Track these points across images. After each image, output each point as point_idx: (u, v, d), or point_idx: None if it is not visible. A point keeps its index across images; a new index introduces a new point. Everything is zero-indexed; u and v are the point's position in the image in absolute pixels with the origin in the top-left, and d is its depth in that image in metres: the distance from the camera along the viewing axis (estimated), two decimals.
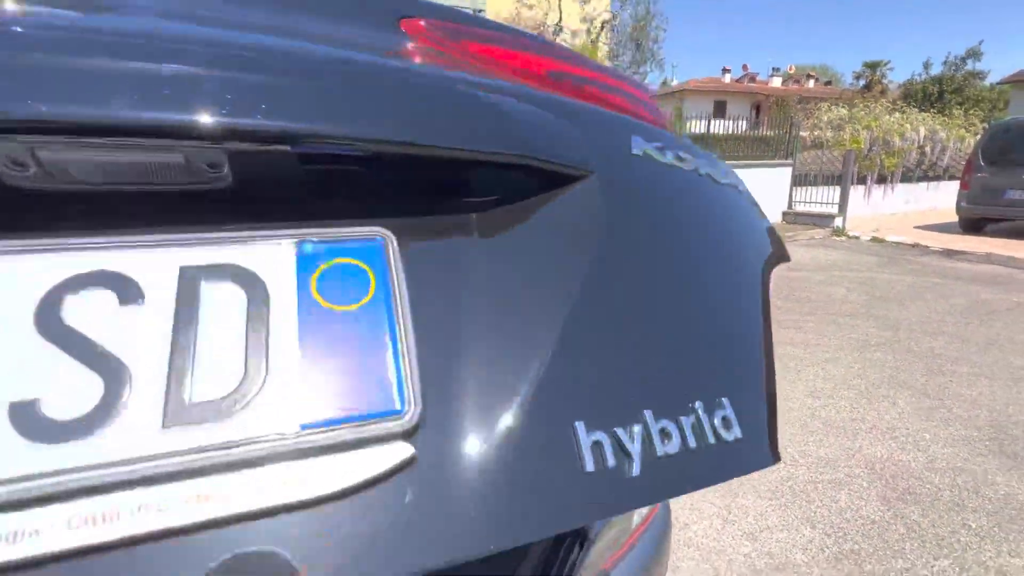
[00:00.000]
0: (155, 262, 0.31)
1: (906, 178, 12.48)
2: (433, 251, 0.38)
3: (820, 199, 10.91)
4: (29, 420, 0.26)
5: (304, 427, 0.30)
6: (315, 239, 0.34)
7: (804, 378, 3.71)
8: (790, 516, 2.33)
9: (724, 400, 0.42)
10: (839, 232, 10.03)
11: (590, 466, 0.36)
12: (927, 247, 8.56)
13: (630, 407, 0.38)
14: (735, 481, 2.50)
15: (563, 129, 0.42)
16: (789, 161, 11.14)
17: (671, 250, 0.47)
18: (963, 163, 10.58)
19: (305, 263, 0.33)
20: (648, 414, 0.38)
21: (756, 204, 0.65)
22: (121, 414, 0.28)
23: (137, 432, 0.28)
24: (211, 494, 0.28)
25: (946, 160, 12.95)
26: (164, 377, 0.29)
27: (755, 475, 2.59)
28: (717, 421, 0.41)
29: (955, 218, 10.08)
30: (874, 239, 9.35)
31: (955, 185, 10.80)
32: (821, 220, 10.61)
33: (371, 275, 0.34)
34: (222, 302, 0.31)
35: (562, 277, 0.39)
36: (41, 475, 0.26)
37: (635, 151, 0.48)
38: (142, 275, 0.31)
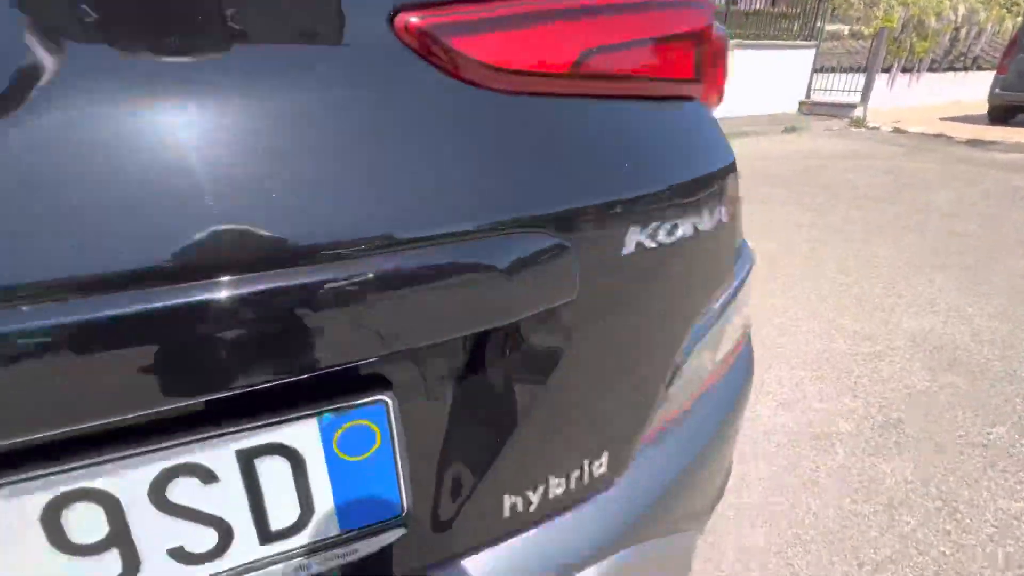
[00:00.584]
0: (218, 451, 0.42)
1: (932, 68, 11.59)
2: (426, 406, 0.51)
3: (842, 87, 10.13)
4: (180, 555, 0.43)
5: (342, 528, 0.49)
6: (332, 412, 0.45)
7: (833, 257, 3.43)
8: (829, 387, 2.13)
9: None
10: (858, 123, 9.40)
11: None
12: (952, 137, 8.04)
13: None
14: (766, 352, 2.28)
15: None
16: (812, 42, 10.20)
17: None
18: (996, 53, 9.80)
19: (327, 431, 0.45)
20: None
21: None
22: (233, 544, 0.45)
23: (245, 549, 0.45)
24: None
25: (979, 48, 11.99)
26: (250, 520, 0.44)
27: (787, 346, 2.38)
28: None
29: (980, 111, 9.50)
30: (896, 130, 8.78)
31: (983, 77, 10.12)
32: (840, 111, 9.91)
33: (376, 430, 0.47)
34: (272, 469, 0.44)
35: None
36: None
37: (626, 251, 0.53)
38: (212, 462, 0.42)
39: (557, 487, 0.62)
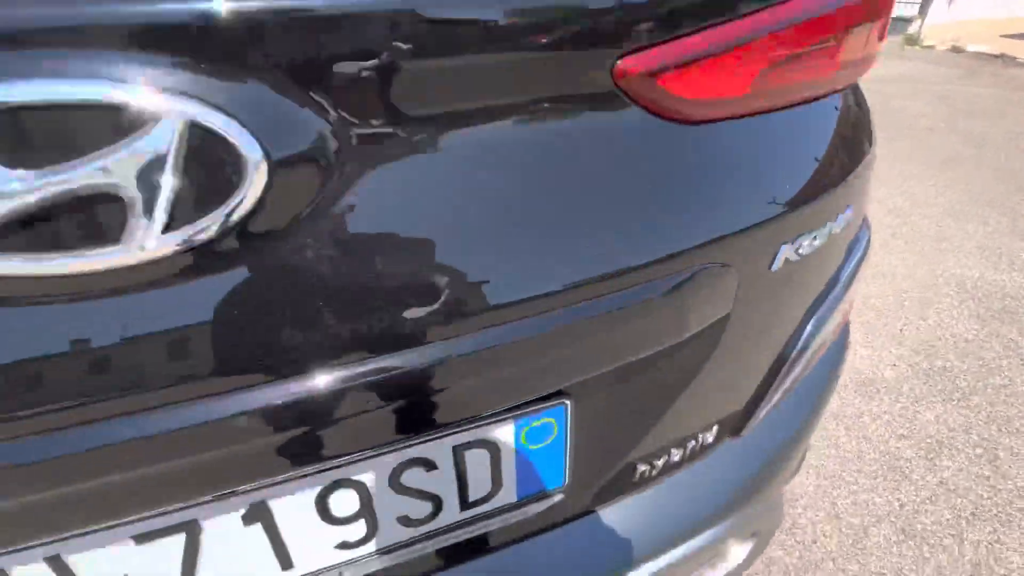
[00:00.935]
0: (440, 447, 0.52)
1: None
2: (593, 402, 0.59)
3: None
4: (405, 521, 0.55)
5: (519, 497, 0.61)
6: (528, 415, 0.54)
7: (879, 197, 3.36)
8: (874, 335, 2.18)
9: None
10: (912, 40, 8.74)
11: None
12: (1015, 58, 7.46)
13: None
14: None
15: None
16: None
17: None
18: None
19: (520, 427, 0.55)
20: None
21: None
22: (441, 511, 0.56)
23: (449, 514, 0.57)
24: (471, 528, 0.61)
25: None
26: (456, 493, 0.56)
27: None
28: None
29: None
30: (953, 48, 8.16)
31: None
32: (893, 25, 9.19)
33: (555, 425, 0.56)
34: (476, 457, 0.54)
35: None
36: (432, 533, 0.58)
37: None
38: (434, 455, 0.52)
39: (682, 456, 0.71)
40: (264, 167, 0.31)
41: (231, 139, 0.30)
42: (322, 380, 0.39)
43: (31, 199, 0.28)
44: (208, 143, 0.30)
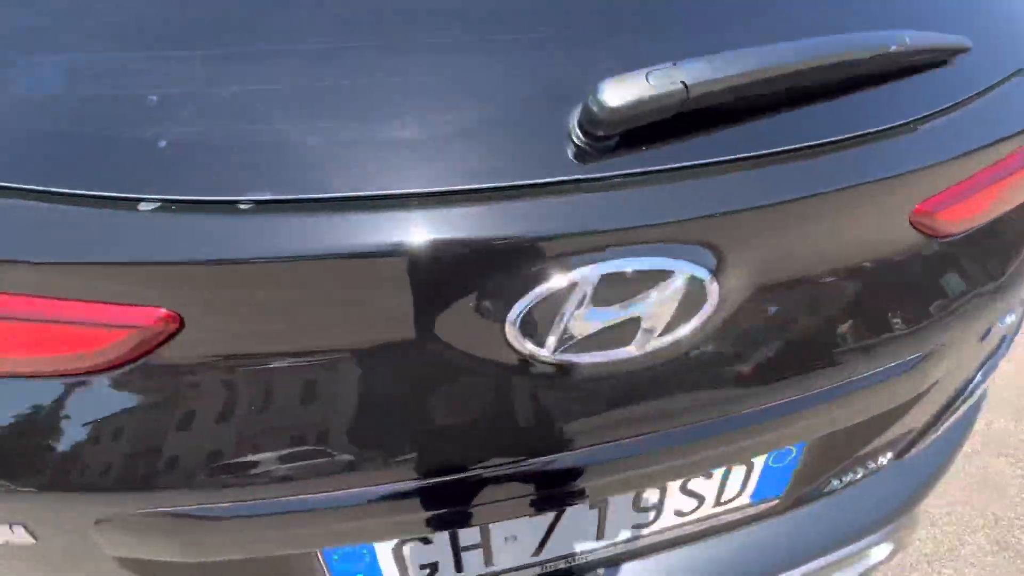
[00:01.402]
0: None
1: None
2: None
3: None
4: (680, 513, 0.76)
5: (751, 500, 0.79)
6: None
7: None
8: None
9: None
10: None
11: None
12: None
13: None
14: None
15: None
16: None
17: None
18: None
19: (771, 454, 0.76)
20: None
21: None
22: (701, 507, 0.77)
23: (708, 511, 0.79)
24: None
25: None
26: (714, 498, 0.77)
27: None
28: None
29: None
30: None
31: None
32: None
33: (795, 451, 0.76)
34: (736, 474, 0.76)
35: None
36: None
37: None
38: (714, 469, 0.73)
39: (864, 473, 0.88)
40: (716, 294, 0.50)
41: (707, 283, 0.48)
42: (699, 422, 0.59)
43: (598, 325, 0.47)
44: (694, 284, 0.48)
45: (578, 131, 0.44)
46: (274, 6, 0.46)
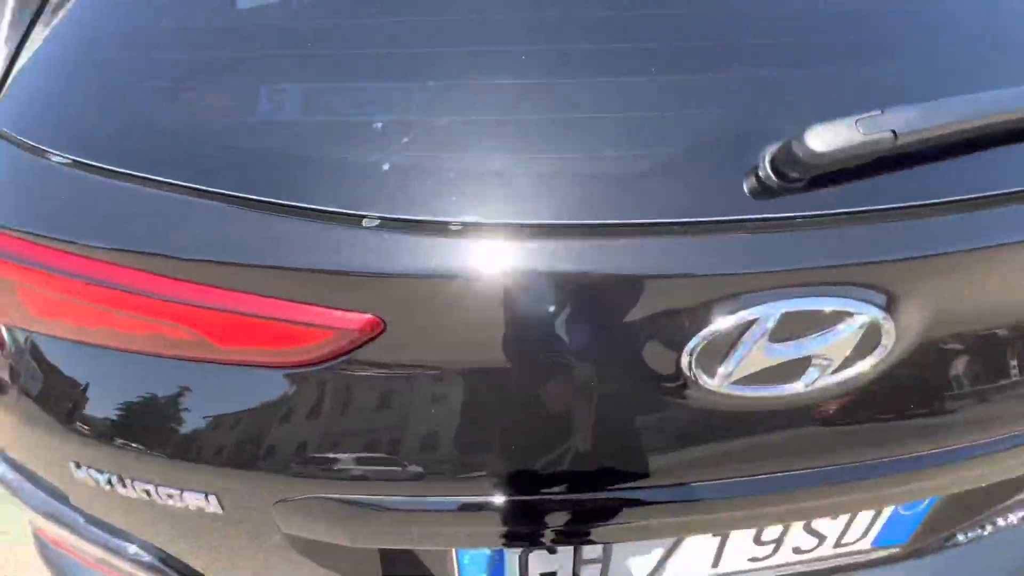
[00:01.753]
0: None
1: None
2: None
3: None
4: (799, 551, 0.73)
5: (873, 545, 0.78)
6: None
7: None
8: None
9: None
10: None
11: None
12: None
13: None
14: None
15: None
16: None
17: None
18: None
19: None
20: None
21: None
22: (820, 546, 0.75)
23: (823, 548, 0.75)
24: None
25: None
26: (836, 537, 0.75)
27: None
28: None
29: None
30: None
31: None
32: None
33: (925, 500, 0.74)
34: (864, 517, 0.74)
35: None
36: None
37: None
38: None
39: (991, 529, 0.83)
40: (892, 337, 0.49)
41: (884, 327, 0.48)
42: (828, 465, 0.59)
43: (771, 361, 0.48)
44: (872, 327, 0.48)
45: (769, 170, 0.45)
46: (486, 45, 0.50)
